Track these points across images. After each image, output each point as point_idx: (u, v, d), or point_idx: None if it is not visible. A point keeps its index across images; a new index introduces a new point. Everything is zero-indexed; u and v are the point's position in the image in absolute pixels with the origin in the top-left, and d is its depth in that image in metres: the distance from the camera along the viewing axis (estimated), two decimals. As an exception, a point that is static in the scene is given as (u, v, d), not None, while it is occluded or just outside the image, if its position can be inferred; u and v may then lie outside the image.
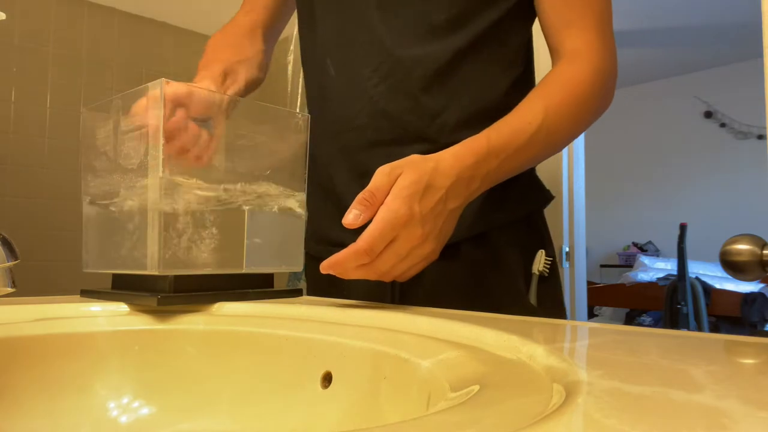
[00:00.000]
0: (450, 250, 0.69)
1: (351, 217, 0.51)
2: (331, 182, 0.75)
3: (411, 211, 0.51)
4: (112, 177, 0.57)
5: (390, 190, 0.52)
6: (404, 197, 0.51)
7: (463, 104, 0.69)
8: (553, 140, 0.64)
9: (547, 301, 0.71)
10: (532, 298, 0.69)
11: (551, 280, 0.73)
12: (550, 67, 0.69)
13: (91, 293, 0.59)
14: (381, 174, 0.53)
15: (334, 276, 0.76)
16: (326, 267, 0.53)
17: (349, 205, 0.56)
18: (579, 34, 0.68)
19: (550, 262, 0.71)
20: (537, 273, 0.69)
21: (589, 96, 0.66)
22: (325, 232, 0.77)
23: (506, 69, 0.72)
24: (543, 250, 0.71)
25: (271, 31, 0.90)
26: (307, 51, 0.81)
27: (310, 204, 0.77)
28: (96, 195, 0.59)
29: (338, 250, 0.75)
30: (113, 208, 0.58)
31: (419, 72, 0.68)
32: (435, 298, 0.67)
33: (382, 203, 0.52)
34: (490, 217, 0.70)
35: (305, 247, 0.81)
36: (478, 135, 0.59)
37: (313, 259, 0.78)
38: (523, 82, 0.74)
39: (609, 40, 0.69)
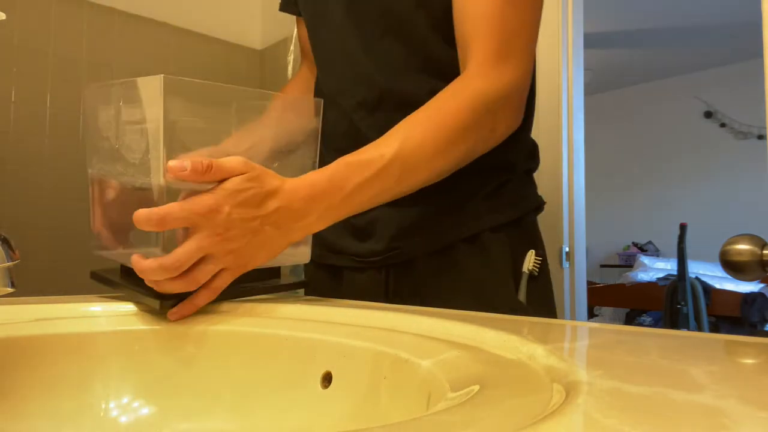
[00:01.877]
0: (443, 250, 0.73)
1: (175, 163, 0.48)
2: None
3: (217, 207, 0.49)
4: (114, 166, 0.57)
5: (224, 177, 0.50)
6: (216, 193, 0.49)
7: None
8: (413, 174, 0.61)
9: (536, 300, 0.73)
10: (522, 296, 0.72)
11: (541, 279, 0.75)
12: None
13: (99, 277, 0.60)
14: (235, 161, 0.50)
15: (334, 281, 0.81)
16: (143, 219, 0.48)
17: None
18: (475, 52, 0.65)
19: (539, 262, 0.75)
20: (527, 272, 0.73)
21: (463, 127, 0.62)
22: (328, 238, 0.80)
23: None
24: (533, 250, 0.74)
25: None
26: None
27: None
28: (100, 170, 0.60)
29: (337, 257, 0.79)
30: (117, 192, 0.60)
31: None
32: (425, 294, 0.72)
33: (212, 179, 0.50)
34: (483, 219, 0.73)
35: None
36: (326, 167, 0.57)
37: (312, 263, 0.79)
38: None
39: (515, 56, 0.65)
